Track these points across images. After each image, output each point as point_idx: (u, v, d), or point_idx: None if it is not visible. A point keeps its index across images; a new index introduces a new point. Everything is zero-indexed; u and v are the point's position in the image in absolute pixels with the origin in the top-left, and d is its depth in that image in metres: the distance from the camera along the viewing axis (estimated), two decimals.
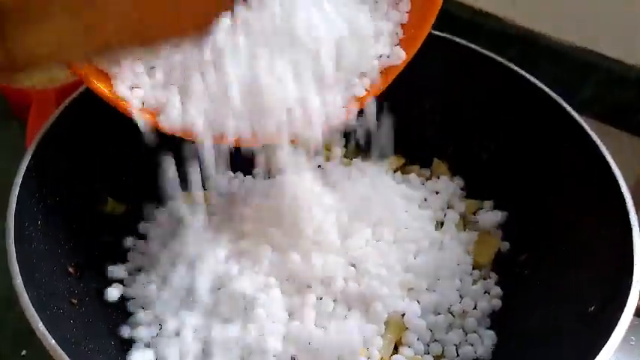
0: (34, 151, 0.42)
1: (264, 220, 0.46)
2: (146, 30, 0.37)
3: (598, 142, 0.45)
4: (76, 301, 0.42)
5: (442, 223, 0.52)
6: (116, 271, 0.46)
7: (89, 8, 0.33)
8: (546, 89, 0.50)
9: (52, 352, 0.33)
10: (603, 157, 0.44)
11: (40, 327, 0.34)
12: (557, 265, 0.45)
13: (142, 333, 0.43)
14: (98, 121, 0.46)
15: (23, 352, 0.48)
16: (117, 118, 0.42)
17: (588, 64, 0.74)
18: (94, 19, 0.33)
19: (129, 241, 0.49)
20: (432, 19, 0.42)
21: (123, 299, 0.46)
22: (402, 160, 0.58)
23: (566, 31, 0.75)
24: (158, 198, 0.52)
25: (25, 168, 0.41)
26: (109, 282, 0.46)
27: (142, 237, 0.51)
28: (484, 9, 0.80)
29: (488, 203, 0.53)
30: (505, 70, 0.52)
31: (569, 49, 0.75)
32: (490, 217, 0.51)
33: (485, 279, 0.48)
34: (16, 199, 0.40)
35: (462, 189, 0.56)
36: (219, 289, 0.44)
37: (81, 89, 0.47)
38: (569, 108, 0.48)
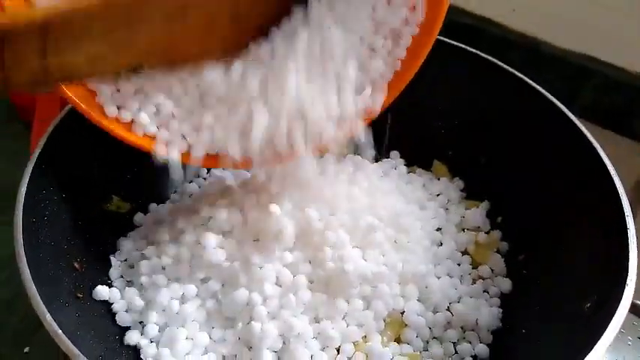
0: (41, 150, 0.43)
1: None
2: (176, 51, 0.37)
3: (596, 145, 0.46)
4: (81, 295, 0.42)
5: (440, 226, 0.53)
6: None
7: (125, 28, 0.34)
8: (546, 93, 0.51)
9: (59, 341, 0.34)
10: (601, 161, 0.45)
11: (47, 318, 0.34)
12: (555, 265, 0.46)
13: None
14: None
15: (26, 350, 0.48)
16: None
17: (586, 69, 0.75)
18: (128, 38, 0.34)
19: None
20: (437, 31, 0.45)
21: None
22: (402, 161, 0.59)
23: (564, 37, 0.76)
24: (161, 196, 0.53)
25: (32, 167, 0.42)
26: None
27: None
28: (485, 15, 0.81)
29: (485, 204, 0.54)
30: (506, 74, 0.53)
31: (567, 54, 0.76)
32: (477, 216, 0.53)
33: (483, 278, 0.49)
34: (23, 197, 0.40)
35: (461, 190, 0.56)
36: (223, 285, 0.44)
37: None
38: (567, 112, 0.49)
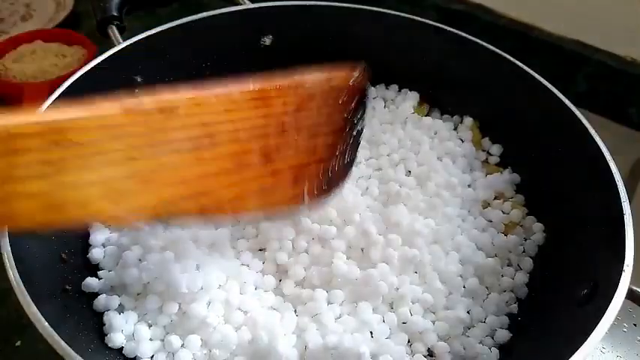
0: None
1: None
2: (208, 196, 0.33)
3: (592, 131, 0.46)
4: (69, 287, 0.42)
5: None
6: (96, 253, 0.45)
7: (149, 150, 0.30)
8: (541, 79, 0.51)
9: (46, 335, 0.33)
10: (597, 147, 0.45)
11: (33, 311, 0.34)
12: (551, 251, 0.46)
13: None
14: None
15: (17, 343, 0.48)
16: None
17: (580, 56, 0.75)
18: (154, 169, 0.30)
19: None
20: None
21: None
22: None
23: (559, 23, 0.75)
24: None
25: None
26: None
27: None
28: (478, 1, 0.80)
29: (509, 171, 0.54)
30: (500, 59, 0.53)
31: (562, 41, 0.75)
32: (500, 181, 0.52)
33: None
34: None
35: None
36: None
37: (73, 78, 0.47)
38: (563, 97, 0.49)
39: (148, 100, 0.31)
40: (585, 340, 0.33)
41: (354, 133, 0.39)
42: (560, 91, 0.50)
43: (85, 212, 0.29)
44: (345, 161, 0.39)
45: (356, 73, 0.38)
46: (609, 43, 0.73)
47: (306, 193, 0.37)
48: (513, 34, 0.78)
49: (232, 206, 0.35)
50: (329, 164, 0.38)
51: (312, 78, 0.37)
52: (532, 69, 0.52)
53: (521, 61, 0.53)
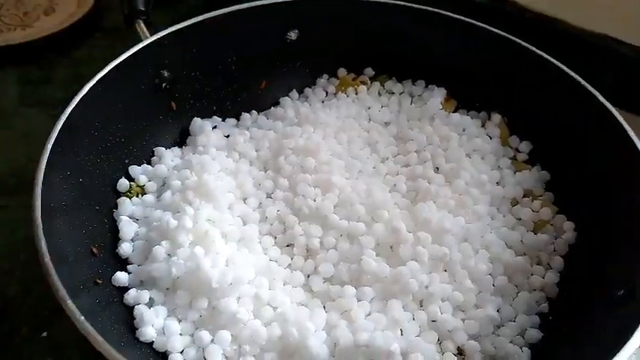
0: (57, 135, 0.42)
1: None
2: None
3: (627, 128, 0.45)
4: (100, 281, 0.42)
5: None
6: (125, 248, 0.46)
7: None
8: (575, 75, 0.50)
9: (80, 328, 0.33)
10: (633, 144, 0.44)
11: (69, 304, 0.34)
12: (584, 249, 0.45)
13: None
14: (115, 106, 0.47)
15: (44, 334, 0.48)
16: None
17: (608, 50, 0.73)
18: None
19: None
20: None
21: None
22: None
23: (585, 16, 0.74)
24: None
25: (48, 153, 0.41)
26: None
27: None
28: None
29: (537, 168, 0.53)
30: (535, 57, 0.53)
31: (588, 35, 0.74)
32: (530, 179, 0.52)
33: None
34: (41, 181, 0.40)
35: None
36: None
37: (103, 72, 0.47)
38: (597, 93, 0.49)
39: None
40: (625, 343, 0.32)
41: None
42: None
43: None
44: None
45: None
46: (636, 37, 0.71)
47: None
48: (539, 27, 0.77)
49: None
50: None
51: None
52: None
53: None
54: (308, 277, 0.45)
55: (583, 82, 0.50)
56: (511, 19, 0.77)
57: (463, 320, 0.43)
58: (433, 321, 0.42)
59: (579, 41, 0.74)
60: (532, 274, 0.46)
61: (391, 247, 0.45)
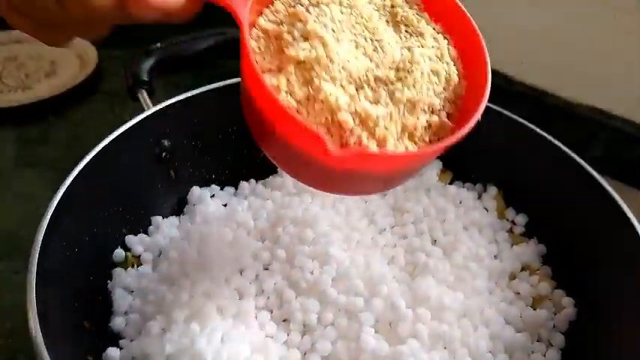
0: (58, 202, 0.42)
1: None
2: None
3: (619, 201, 0.46)
4: (91, 358, 0.41)
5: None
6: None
7: None
8: (566, 149, 0.51)
9: None
10: (625, 217, 0.45)
11: None
12: (586, 325, 0.45)
13: None
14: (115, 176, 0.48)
15: None
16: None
17: (597, 122, 0.75)
18: None
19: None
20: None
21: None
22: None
23: (574, 89, 0.76)
24: None
25: (48, 219, 0.41)
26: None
27: None
28: (493, 67, 0.81)
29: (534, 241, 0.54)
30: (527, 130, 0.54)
31: (577, 107, 0.76)
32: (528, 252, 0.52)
33: None
34: (39, 247, 0.39)
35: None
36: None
37: (105, 142, 0.47)
38: (588, 167, 0.50)
39: None
40: None
41: None
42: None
43: None
44: None
45: None
46: (624, 110, 0.74)
47: None
48: (528, 100, 0.79)
49: None
50: None
51: None
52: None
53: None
54: (305, 354, 0.44)
55: (572, 154, 0.51)
56: (501, 92, 0.80)
57: None
58: None
59: (569, 114, 0.77)
60: (533, 352, 0.45)
61: (390, 324, 0.44)
